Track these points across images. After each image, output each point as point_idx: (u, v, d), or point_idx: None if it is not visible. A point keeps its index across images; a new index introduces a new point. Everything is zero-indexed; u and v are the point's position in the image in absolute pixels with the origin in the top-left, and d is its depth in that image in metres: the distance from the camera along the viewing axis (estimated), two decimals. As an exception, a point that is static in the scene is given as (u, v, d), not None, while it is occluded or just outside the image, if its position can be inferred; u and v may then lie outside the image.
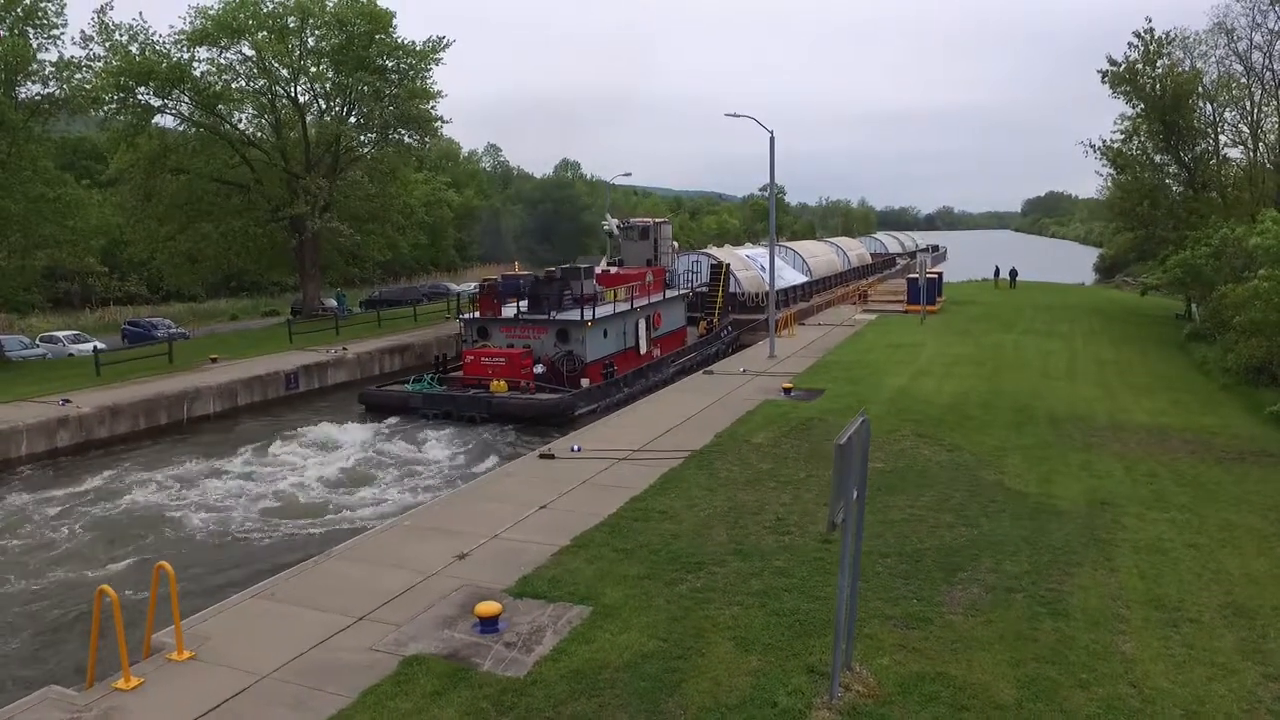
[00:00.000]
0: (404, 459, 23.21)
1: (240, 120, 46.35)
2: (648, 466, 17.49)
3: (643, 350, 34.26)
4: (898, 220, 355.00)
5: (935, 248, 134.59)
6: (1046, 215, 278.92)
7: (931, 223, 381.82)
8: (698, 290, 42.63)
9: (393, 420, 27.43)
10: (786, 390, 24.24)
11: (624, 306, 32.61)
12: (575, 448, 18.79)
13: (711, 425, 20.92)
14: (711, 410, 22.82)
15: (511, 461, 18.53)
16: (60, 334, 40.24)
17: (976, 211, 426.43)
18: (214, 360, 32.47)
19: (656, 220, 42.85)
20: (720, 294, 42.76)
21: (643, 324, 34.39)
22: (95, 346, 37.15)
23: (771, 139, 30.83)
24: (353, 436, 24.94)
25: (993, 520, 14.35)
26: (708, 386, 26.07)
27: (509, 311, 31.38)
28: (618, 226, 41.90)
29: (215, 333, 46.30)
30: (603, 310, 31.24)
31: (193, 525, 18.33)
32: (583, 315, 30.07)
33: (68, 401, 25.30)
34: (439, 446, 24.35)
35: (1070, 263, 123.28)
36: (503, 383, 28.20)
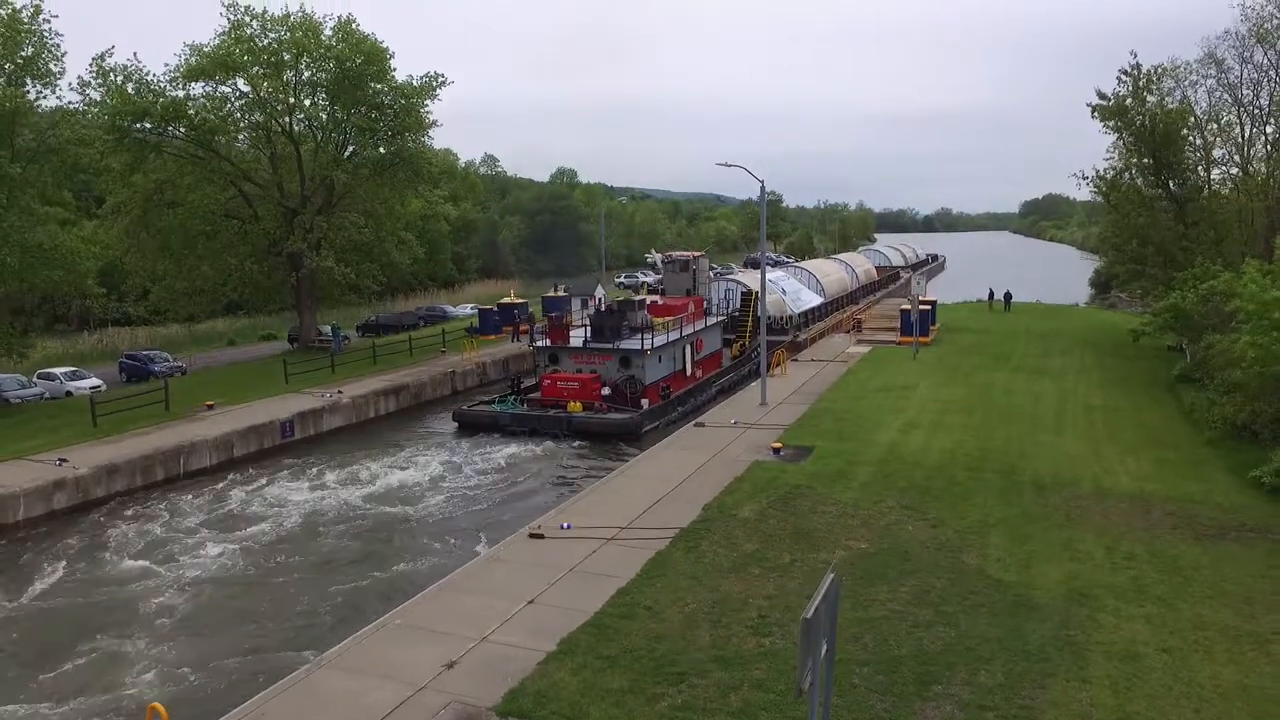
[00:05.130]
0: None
1: (238, 146, 46.55)
2: (635, 549, 17.75)
3: (688, 373, 38.39)
4: (896, 222, 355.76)
5: (934, 257, 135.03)
6: (1044, 218, 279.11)
7: (930, 224, 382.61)
8: (730, 314, 46.70)
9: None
10: (776, 450, 24.49)
11: (674, 335, 37.01)
12: (565, 525, 19.06)
13: (700, 494, 21.18)
14: (702, 472, 23.08)
15: (502, 543, 18.75)
16: (58, 371, 40.32)
17: (975, 213, 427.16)
18: (210, 406, 32.69)
19: (695, 254, 46.96)
20: (750, 319, 46.23)
21: (688, 349, 38.57)
22: (92, 390, 37.42)
23: (762, 188, 31.11)
24: None
25: (971, 617, 14.63)
26: (700, 442, 26.32)
27: (576, 340, 36.01)
28: (661, 260, 46.11)
29: (212, 364, 46.46)
30: (657, 339, 35.38)
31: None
32: (643, 344, 34.33)
33: (64, 461, 25.54)
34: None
35: (1066, 269, 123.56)
36: (578, 404, 32.81)
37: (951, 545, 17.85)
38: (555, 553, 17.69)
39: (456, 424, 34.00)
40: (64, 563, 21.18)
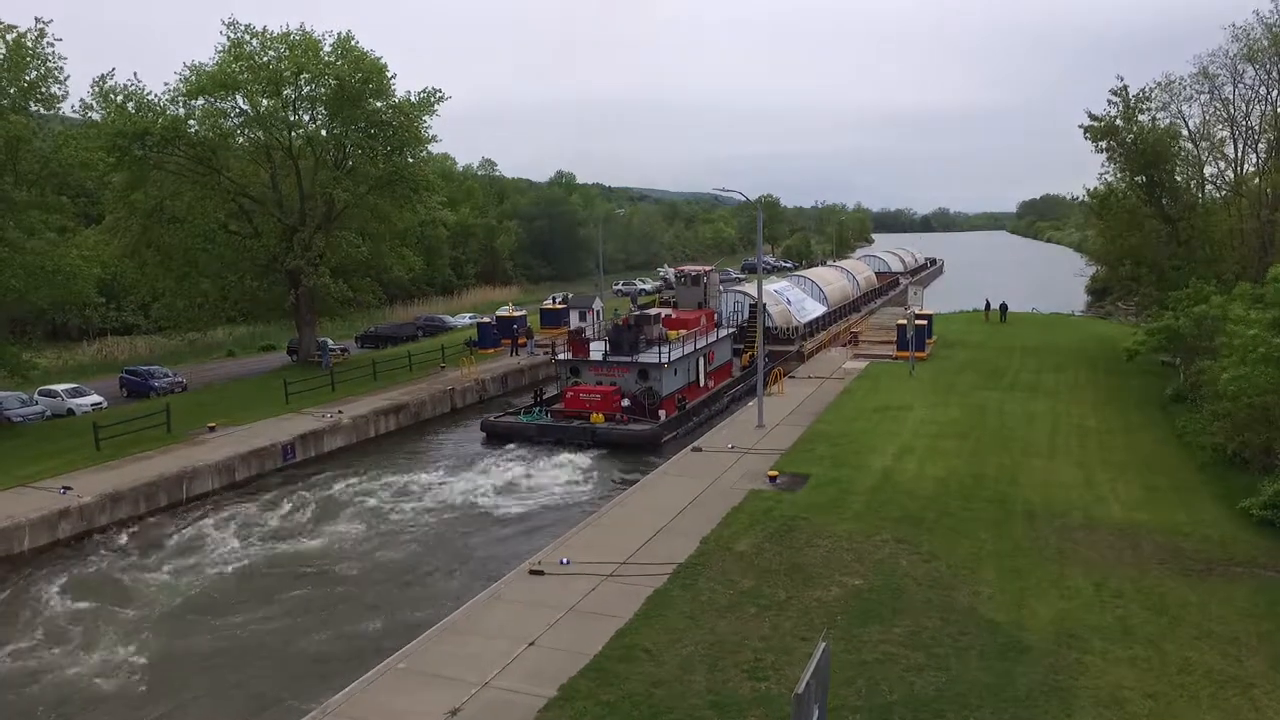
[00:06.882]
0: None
1: (237, 161, 46.78)
2: (633, 586, 18.06)
3: (702, 384, 40.11)
4: (893, 222, 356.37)
5: (933, 261, 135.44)
6: (1041, 218, 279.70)
7: (927, 225, 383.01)
8: (740, 325, 48.64)
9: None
10: (772, 478, 24.80)
11: (689, 348, 38.83)
12: (564, 560, 19.37)
13: (697, 525, 21.48)
14: (699, 502, 23.39)
15: (503, 580, 19.03)
16: (59, 388, 40.47)
17: (972, 213, 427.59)
18: (212, 429, 32.96)
19: (706, 269, 48.88)
20: (759, 330, 46.64)
21: (702, 361, 40.39)
22: (94, 408, 37.74)
23: (759, 210, 31.43)
24: None
25: (961, 659, 14.96)
26: (697, 469, 26.62)
27: (596, 353, 37.42)
28: (674, 274, 48.12)
29: (212, 379, 46.64)
30: (673, 352, 36.95)
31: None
32: (660, 358, 35.88)
33: (68, 489, 25.78)
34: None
35: (1063, 273, 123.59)
36: (600, 415, 34.30)
37: (944, 581, 18.17)
38: (555, 590, 18.00)
39: (485, 434, 35.56)
40: (61, 604, 21.48)
